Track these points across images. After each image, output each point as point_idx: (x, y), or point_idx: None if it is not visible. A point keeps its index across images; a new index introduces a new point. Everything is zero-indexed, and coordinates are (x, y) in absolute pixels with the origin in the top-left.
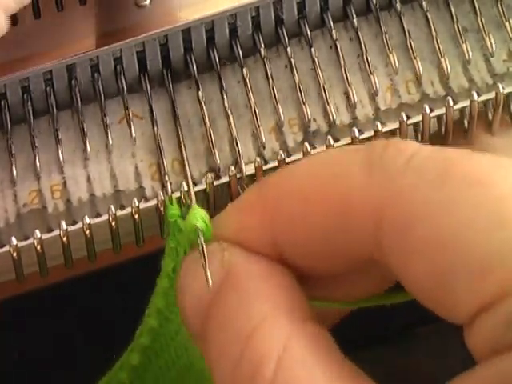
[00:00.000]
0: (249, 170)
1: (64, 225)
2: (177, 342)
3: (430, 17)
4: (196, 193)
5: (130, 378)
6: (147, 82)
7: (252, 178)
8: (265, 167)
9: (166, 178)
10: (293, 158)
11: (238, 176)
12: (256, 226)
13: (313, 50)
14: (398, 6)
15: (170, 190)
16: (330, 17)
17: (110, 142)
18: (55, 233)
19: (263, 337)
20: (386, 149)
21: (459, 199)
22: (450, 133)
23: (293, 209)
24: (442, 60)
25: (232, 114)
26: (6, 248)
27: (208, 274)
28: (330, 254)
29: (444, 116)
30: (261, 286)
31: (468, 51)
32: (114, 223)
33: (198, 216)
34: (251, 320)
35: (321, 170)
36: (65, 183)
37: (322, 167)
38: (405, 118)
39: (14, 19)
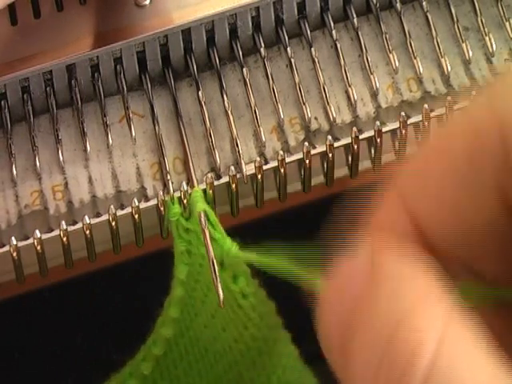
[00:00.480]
0: (249, 169)
1: (64, 225)
2: (193, 353)
3: (430, 16)
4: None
5: None
6: (148, 80)
7: (252, 177)
8: (265, 167)
9: (168, 177)
10: (293, 157)
11: (239, 176)
12: (391, 215)
13: (313, 49)
14: (399, 5)
15: (171, 190)
16: (330, 17)
17: (111, 142)
18: (55, 233)
19: (422, 316)
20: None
21: None
22: None
23: (420, 176)
24: (442, 60)
25: (233, 113)
26: (6, 248)
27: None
28: (467, 209)
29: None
30: (408, 282)
31: (468, 51)
32: (114, 223)
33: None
34: (404, 305)
35: (442, 132)
36: (66, 184)
37: (443, 130)
38: (405, 118)
39: (14, 19)
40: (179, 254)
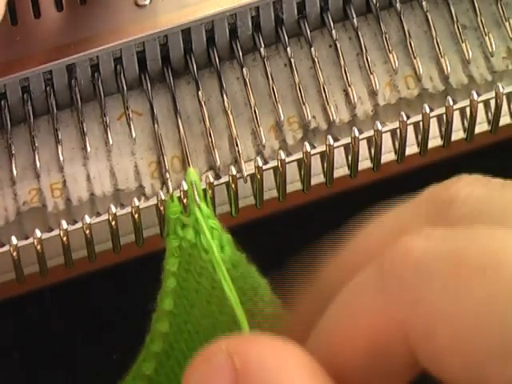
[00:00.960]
0: (249, 169)
1: (64, 224)
2: (190, 343)
3: (429, 15)
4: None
5: None
6: (148, 80)
7: (252, 177)
8: (265, 167)
9: (167, 175)
10: (292, 157)
11: (238, 176)
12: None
13: (312, 49)
14: (398, 5)
15: (170, 188)
16: (329, 17)
17: (110, 141)
18: (55, 232)
19: None
20: (394, 259)
21: (473, 289)
22: (450, 132)
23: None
24: (442, 60)
25: (232, 112)
26: (6, 248)
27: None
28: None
29: (444, 115)
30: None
31: (467, 50)
32: (113, 223)
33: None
34: None
35: (340, 307)
36: (64, 182)
37: (340, 305)
38: (405, 118)
39: (14, 19)
40: (171, 249)
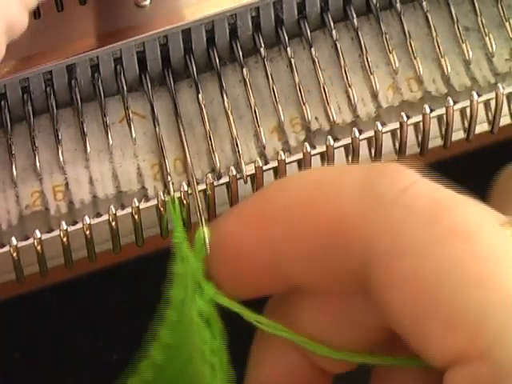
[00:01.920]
0: (249, 170)
1: (64, 225)
2: (183, 379)
3: (430, 16)
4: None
5: None
6: (148, 81)
7: (253, 177)
8: (265, 167)
9: (169, 178)
10: (293, 157)
11: (239, 176)
12: (254, 237)
13: (313, 49)
14: (399, 5)
15: (172, 191)
16: (330, 17)
17: (111, 142)
18: (55, 233)
19: None
20: (379, 176)
21: (441, 248)
22: (450, 133)
23: (287, 224)
24: (442, 60)
25: (233, 113)
26: (6, 248)
27: None
28: (324, 270)
29: (444, 116)
30: None
31: (468, 50)
32: (113, 223)
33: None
34: None
35: (314, 190)
36: (67, 184)
37: (316, 187)
38: (405, 119)
39: None
40: (178, 277)
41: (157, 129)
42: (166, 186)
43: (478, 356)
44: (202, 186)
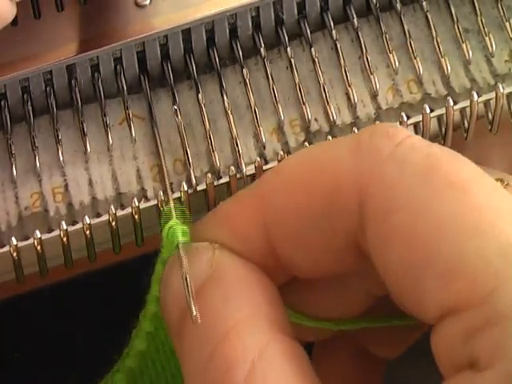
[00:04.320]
0: (249, 170)
1: (64, 225)
2: (165, 364)
3: (430, 17)
4: (198, 192)
5: None
6: (147, 82)
7: (252, 178)
8: (265, 167)
9: (168, 179)
10: None
11: (238, 176)
12: (248, 219)
13: (313, 50)
14: (399, 6)
15: (170, 193)
16: (330, 17)
17: (111, 143)
18: (55, 233)
19: (239, 338)
20: (374, 133)
21: (438, 200)
22: (450, 133)
23: (282, 200)
24: (442, 60)
25: (233, 114)
26: (6, 248)
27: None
28: (319, 245)
29: (444, 116)
30: (244, 290)
31: (468, 52)
32: (113, 223)
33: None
34: (228, 320)
35: (309, 159)
36: (66, 186)
37: (311, 157)
38: (405, 118)
39: (14, 19)
40: (157, 276)
41: (155, 130)
42: (165, 187)
43: (475, 304)
44: (202, 186)
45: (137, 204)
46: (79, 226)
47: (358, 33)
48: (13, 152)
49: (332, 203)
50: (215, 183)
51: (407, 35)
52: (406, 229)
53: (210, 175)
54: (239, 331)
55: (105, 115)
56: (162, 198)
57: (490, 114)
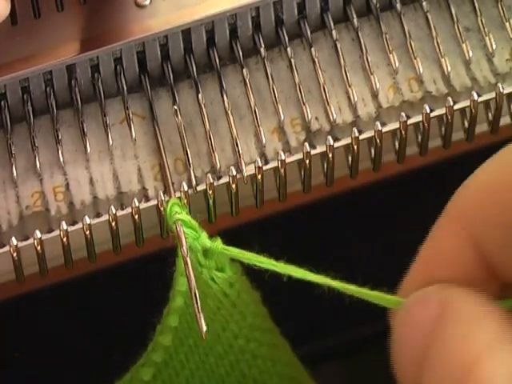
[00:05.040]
0: (249, 170)
1: (64, 225)
2: (193, 360)
3: (430, 17)
4: (198, 192)
5: None
6: (147, 81)
7: (253, 177)
8: (265, 167)
9: (169, 178)
10: (294, 157)
11: (239, 176)
12: (452, 247)
13: (313, 50)
14: (399, 6)
15: (172, 191)
16: (330, 17)
17: (111, 142)
18: (55, 233)
19: (489, 364)
20: None
21: None
22: (451, 133)
23: (485, 206)
24: (442, 60)
25: (234, 114)
26: (6, 248)
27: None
28: None
29: (444, 116)
30: (480, 318)
31: (468, 51)
32: (113, 223)
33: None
34: (474, 349)
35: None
36: (67, 185)
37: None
38: (405, 118)
39: (14, 19)
40: (180, 269)
41: (156, 129)
42: (166, 187)
43: None
44: (201, 186)
45: (137, 204)
46: (79, 226)
47: (358, 33)
48: (13, 152)
49: None
50: (215, 183)
51: (407, 34)
52: None
53: (209, 175)
54: (486, 357)
55: (105, 115)
56: (163, 198)
57: (490, 115)
